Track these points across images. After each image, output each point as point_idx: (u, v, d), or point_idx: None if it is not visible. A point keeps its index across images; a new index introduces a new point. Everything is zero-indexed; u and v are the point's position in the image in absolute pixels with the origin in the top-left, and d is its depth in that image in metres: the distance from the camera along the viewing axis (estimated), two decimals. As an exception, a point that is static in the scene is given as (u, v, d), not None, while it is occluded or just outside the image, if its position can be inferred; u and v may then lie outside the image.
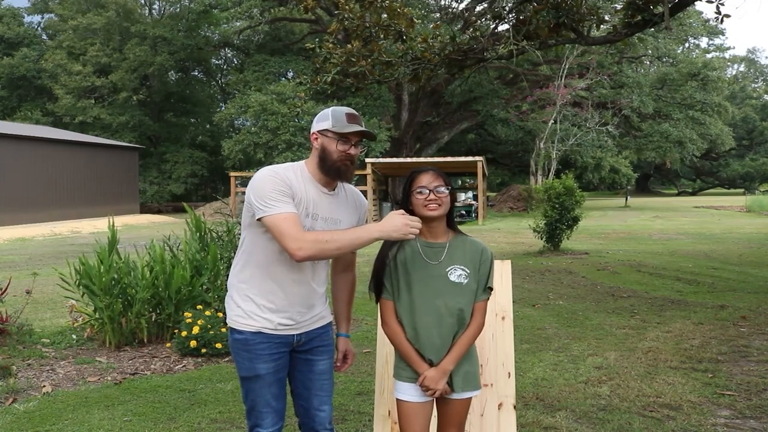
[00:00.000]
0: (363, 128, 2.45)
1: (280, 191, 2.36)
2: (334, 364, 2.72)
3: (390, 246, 2.50)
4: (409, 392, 2.47)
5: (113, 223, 6.11)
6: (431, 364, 2.44)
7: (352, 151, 2.45)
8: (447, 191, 2.46)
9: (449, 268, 2.46)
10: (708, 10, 65.91)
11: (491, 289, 2.52)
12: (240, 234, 2.69)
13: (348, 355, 2.75)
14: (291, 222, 2.32)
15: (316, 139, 2.47)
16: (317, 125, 2.48)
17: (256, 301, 2.47)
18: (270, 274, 2.46)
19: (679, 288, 8.68)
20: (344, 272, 2.75)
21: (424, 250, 2.49)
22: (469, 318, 2.47)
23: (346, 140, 2.44)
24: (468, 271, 2.47)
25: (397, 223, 2.29)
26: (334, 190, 2.52)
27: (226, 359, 5.40)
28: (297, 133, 27.41)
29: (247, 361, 2.47)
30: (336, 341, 2.75)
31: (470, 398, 2.54)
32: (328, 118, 2.45)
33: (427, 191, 2.44)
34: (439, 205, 2.45)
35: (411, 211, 2.47)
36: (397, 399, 2.50)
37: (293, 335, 2.51)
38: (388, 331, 2.52)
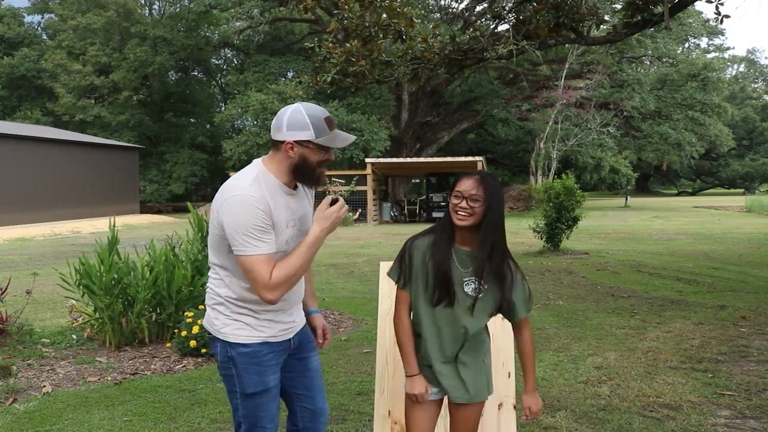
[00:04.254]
0: (351, 137, 2.36)
1: (260, 228, 2.20)
2: (315, 341, 2.65)
3: (419, 238, 2.45)
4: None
5: (114, 223, 6.11)
6: (430, 368, 2.44)
7: (331, 156, 2.37)
8: (482, 203, 2.30)
9: (466, 279, 2.37)
10: (708, 10, 65.94)
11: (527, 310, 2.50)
12: None
13: (326, 330, 2.68)
14: (265, 266, 2.20)
15: (292, 148, 2.27)
16: (293, 134, 2.26)
17: (257, 313, 2.36)
18: None
19: (679, 288, 8.68)
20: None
21: (457, 256, 2.39)
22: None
23: (327, 149, 2.33)
24: (486, 287, 2.37)
25: (337, 219, 2.30)
26: (296, 188, 2.43)
27: (226, 359, 5.39)
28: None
29: (256, 375, 2.34)
30: (310, 320, 2.67)
31: (475, 407, 2.50)
32: (307, 128, 2.25)
33: (462, 198, 2.32)
34: (470, 215, 2.31)
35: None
36: (406, 393, 2.49)
37: (290, 339, 2.47)
38: (398, 323, 2.45)
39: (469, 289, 2.36)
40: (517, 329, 2.52)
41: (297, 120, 2.26)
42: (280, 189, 2.32)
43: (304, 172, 2.31)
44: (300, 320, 2.53)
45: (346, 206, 2.36)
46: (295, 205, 2.39)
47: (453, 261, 2.37)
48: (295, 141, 2.26)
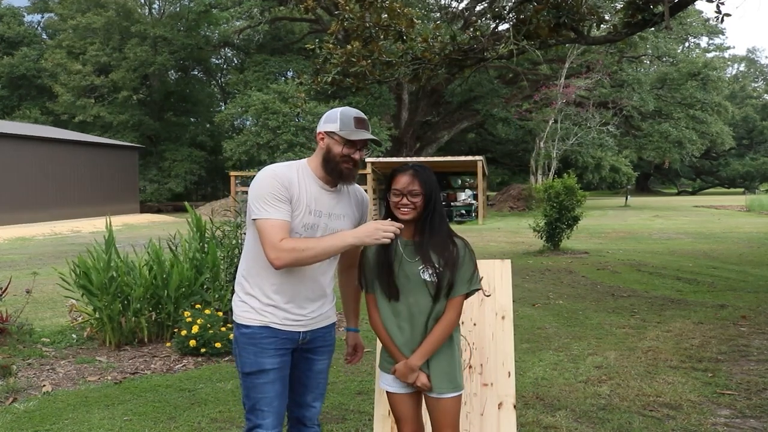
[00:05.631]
0: (371, 136, 2.48)
1: (274, 196, 2.39)
2: (345, 358, 2.81)
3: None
4: (389, 382, 2.56)
5: (110, 222, 6.11)
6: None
7: (357, 155, 2.47)
8: (421, 196, 2.44)
9: (421, 267, 2.45)
10: (708, 10, 65.90)
11: (470, 292, 2.51)
12: (245, 233, 2.71)
13: (357, 348, 2.81)
14: (276, 229, 2.36)
15: (322, 139, 2.49)
16: (324, 125, 2.49)
17: (263, 297, 2.49)
18: (274, 270, 2.45)
19: (679, 287, 8.68)
20: (350, 268, 2.75)
21: (404, 249, 2.50)
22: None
23: (352, 145, 2.46)
24: (441, 270, 2.45)
25: (370, 228, 2.37)
26: (336, 186, 2.55)
27: (226, 359, 5.40)
28: (298, 132, 27.41)
29: (252, 355, 2.47)
30: (345, 336, 2.83)
31: (455, 399, 2.52)
32: (336, 121, 2.46)
33: (401, 195, 2.44)
34: (413, 209, 2.44)
35: (390, 209, 2.51)
36: (384, 389, 2.61)
37: (299, 332, 2.53)
38: (372, 323, 2.58)
39: (426, 275, 2.44)
40: (447, 307, 2.49)
41: (331, 115, 2.50)
42: (313, 180, 2.50)
43: (329, 162, 2.47)
44: (316, 319, 2.57)
45: (390, 233, 2.36)
46: (329, 201, 2.52)
47: (401, 254, 2.48)
48: (325, 132, 2.48)
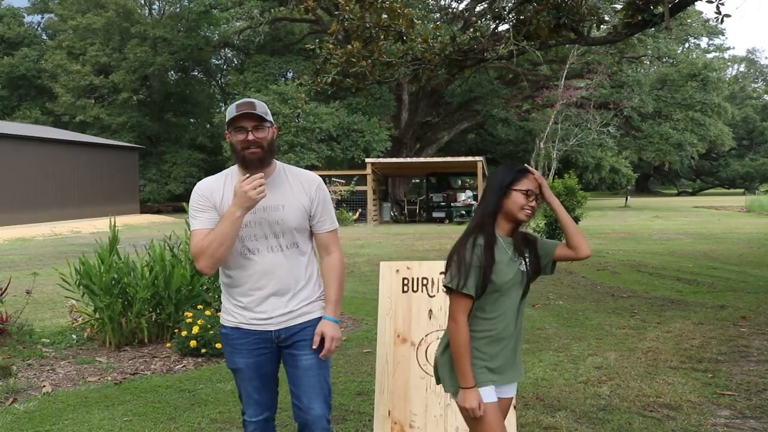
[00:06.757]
0: (247, 110, 2.46)
1: (194, 208, 2.54)
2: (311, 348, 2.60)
3: (476, 237, 2.37)
4: (491, 394, 2.38)
5: (114, 223, 6.11)
6: (498, 365, 2.40)
7: (251, 137, 2.47)
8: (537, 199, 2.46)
9: (521, 263, 2.45)
10: (708, 10, 65.90)
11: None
12: None
13: (325, 337, 2.56)
14: (193, 239, 2.49)
15: (229, 139, 2.55)
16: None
17: (232, 299, 2.60)
18: (236, 272, 2.56)
19: (679, 288, 8.68)
20: (326, 255, 2.70)
21: (507, 246, 2.44)
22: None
23: (240, 129, 2.47)
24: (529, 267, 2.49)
25: (242, 195, 2.38)
26: (266, 179, 2.50)
27: (226, 359, 5.40)
28: (299, 133, 27.40)
29: (228, 354, 2.64)
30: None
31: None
32: (226, 117, 2.53)
33: (533, 197, 2.42)
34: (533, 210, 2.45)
35: (500, 206, 2.40)
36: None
37: (270, 331, 2.56)
38: (459, 330, 2.33)
39: (523, 267, 2.45)
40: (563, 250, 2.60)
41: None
42: (240, 178, 2.52)
43: (236, 154, 2.53)
44: (288, 316, 2.56)
45: (258, 182, 2.39)
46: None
47: (509, 252, 2.43)
48: (226, 132, 2.56)
